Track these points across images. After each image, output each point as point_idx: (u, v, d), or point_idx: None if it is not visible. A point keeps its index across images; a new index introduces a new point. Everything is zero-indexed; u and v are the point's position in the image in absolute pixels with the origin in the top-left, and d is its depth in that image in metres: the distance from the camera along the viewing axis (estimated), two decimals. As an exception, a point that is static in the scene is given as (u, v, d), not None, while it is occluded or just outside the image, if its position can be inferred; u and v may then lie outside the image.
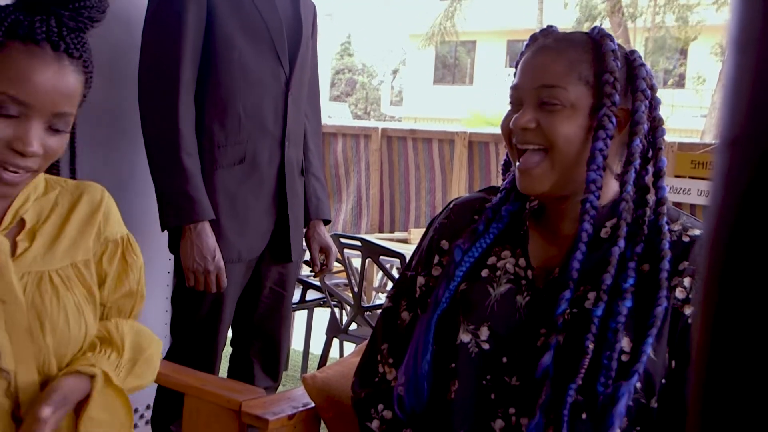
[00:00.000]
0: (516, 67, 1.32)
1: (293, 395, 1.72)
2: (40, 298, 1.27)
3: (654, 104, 1.27)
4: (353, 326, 3.64)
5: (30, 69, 1.18)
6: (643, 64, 1.27)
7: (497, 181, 5.51)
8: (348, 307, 3.74)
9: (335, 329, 3.63)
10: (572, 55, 1.24)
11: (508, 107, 1.31)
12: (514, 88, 1.29)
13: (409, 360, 1.32)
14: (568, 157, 1.23)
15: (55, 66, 1.20)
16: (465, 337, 1.27)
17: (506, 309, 1.27)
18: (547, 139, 1.23)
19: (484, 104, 21.18)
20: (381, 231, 5.86)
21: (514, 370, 1.23)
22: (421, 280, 1.41)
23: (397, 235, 5.17)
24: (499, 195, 1.38)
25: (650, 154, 1.26)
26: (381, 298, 4.56)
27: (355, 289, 3.51)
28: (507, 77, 24.64)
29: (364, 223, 6.04)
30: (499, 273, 1.30)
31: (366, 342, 1.64)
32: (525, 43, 1.33)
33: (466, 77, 26.76)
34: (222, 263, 2.08)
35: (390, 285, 4.95)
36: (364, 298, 3.70)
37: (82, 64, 1.26)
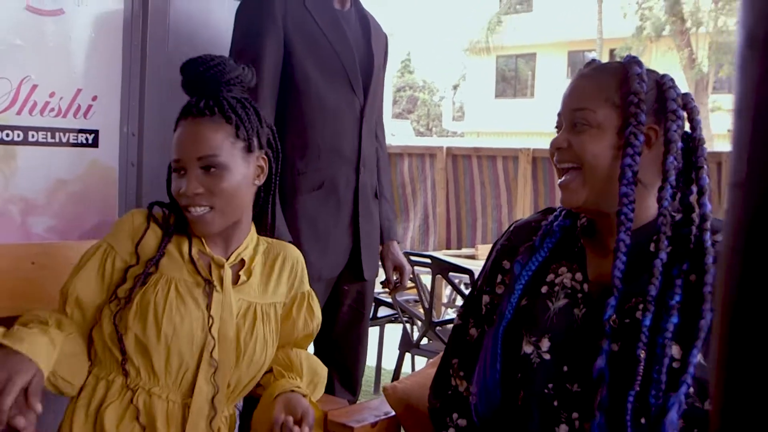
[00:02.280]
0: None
1: (374, 405, 1.86)
2: (243, 326, 1.62)
3: (693, 125, 1.37)
4: (424, 341, 3.75)
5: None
6: (672, 87, 1.37)
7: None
8: (419, 323, 3.86)
9: (407, 344, 3.75)
10: (602, 81, 1.36)
11: None
12: (558, 114, 1.42)
13: (479, 371, 1.44)
14: (598, 173, 1.34)
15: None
16: (528, 349, 1.38)
17: (565, 321, 1.38)
18: (578, 158, 1.35)
19: (545, 117, 21.13)
20: (449, 248, 5.97)
21: (575, 377, 1.34)
22: (486, 298, 1.52)
23: (465, 251, 5.28)
24: (555, 214, 1.50)
25: (693, 174, 1.36)
26: (450, 314, 4.67)
27: (426, 305, 3.63)
28: (569, 89, 24.52)
29: (432, 241, 6.17)
30: (557, 288, 1.41)
31: (440, 355, 1.77)
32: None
33: (527, 90, 26.66)
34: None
35: (459, 300, 5.05)
36: (434, 313, 3.82)
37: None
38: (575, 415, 1.32)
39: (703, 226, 1.32)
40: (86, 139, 2.35)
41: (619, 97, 1.34)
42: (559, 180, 1.39)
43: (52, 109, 2.25)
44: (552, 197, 5.53)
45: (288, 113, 2.27)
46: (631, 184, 1.30)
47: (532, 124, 22.36)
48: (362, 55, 2.42)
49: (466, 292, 3.57)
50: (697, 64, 19.80)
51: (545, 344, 1.37)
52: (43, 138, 2.24)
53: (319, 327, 1.83)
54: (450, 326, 3.86)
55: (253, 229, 1.74)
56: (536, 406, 1.36)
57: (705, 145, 1.37)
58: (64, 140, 2.29)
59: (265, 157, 1.70)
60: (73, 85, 2.30)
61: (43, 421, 1.70)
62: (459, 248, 5.87)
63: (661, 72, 1.41)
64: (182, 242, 1.66)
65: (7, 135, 2.16)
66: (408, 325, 3.90)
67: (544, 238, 1.45)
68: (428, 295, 3.65)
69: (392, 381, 3.84)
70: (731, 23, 19.61)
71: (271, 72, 2.22)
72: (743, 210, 0.50)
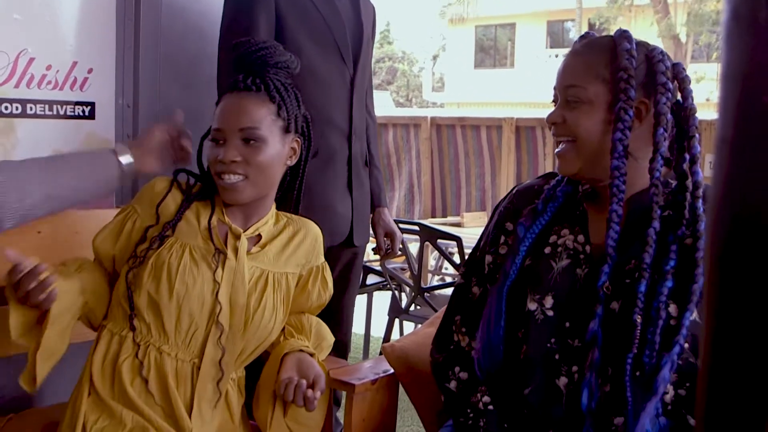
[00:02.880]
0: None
1: (373, 364, 1.93)
2: (254, 292, 1.71)
3: (685, 95, 1.44)
4: (413, 307, 3.84)
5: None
6: (662, 60, 1.42)
7: (544, 163, 5.67)
8: (407, 290, 3.95)
9: (396, 310, 3.84)
10: (592, 57, 1.43)
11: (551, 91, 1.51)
12: (554, 88, 1.49)
13: (483, 326, 1.52)
14: (591, 147, 1.42)
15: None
16: (532, 306, 1.46)
17: (567, 280, 1.46)
18: (572, 132, 1.43)
19: (526, 87, 21.15)
20: (434, 216, 6.06)
21: (576, 333, 1.42)
22: (489, 258, 1.60)
23: (450, 219, 5.37)
24: (556, 179, 1.57)
25: (685, 143, 1.43)
26: (436, 281, 4.75)
27: (415, 272, 3.71)
28: (548, 59, 24.53)
29: (417, 209, 6.26)
30: (560, 249, 1.49)
31: (437, 314, 1.85)
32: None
33: (507, 60, 26.66)
34: None
35: (446, 266, 5.14)
36: (422, 280, 3.89)
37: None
38: (575, 368, 1.41)
39: (695, 193, 1.39)
40: (83, 111, 2.39)
41: (609, 73, 1.41)
42: (556, 149, 1.47)
43: (49, 82, 2.29)
44: (535, 166, 5.62)
45: (280, 84, 2.32)
46: (622, 157, 1.37)
47: (513, 94, 22.41)
48: (352, 26, 2.47)
49: (455, 258, 3.65)
50: (676, 33, 19.90)
51: (549, 302, 1.45)
52: (41, 110, 2.28)
53: (331, 296, 1.93)
54: (437, 292, 3.95)
55: (273, 207, 1.83)
56: (539, 359, 1.44)
57: (696, 115, 1.43)
58: (62, 112, 2.34)
59: (299, 140, 1.81)
60: (69, 58, 2.34)
61: (64, 374, 1.78)
62: (444, 216, 5.96)
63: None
64: (202, 210, 1.75)
65: (6, 108, 2.20)
66: (396, 292, 3.99)
67: (547, 202, 1.53)
68: (417, 263, 3.73)
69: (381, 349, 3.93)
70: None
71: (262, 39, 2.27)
72: (730, 163, 0.57)
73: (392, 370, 1.85)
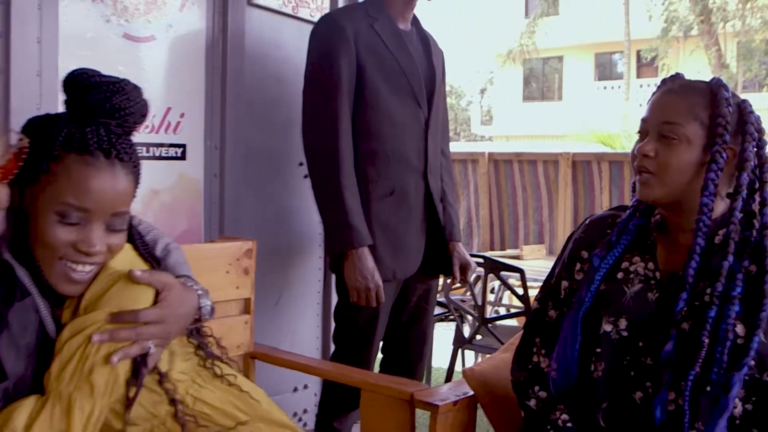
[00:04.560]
0: (647, 104, 1.64)
1: (453, 386, 2.06)
2: None
3: (761, 144, 1.57)
4: (477, 337, 3.96)
5: (87, 178, 1.30)
6: (752, 112, 1.58)
7: (600, 197, 5.77)
8: (469, 320, 4.07)
9: (460, 341, 3.96)
10: (692, 99, 1.56)
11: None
12: (643, 121, 1.61)
13: (559, 348, 1.64)
14: (676, 181, 1.55)
15: (109, 172, 1.31)
16: (607, 327, 1.59)
17: (640, 303, 1.59)
18: (661, 166, 1.56)
19: (574, 119, 21.17)
20: (492, 249, 6.19)
21: (648, 352, 1.55)
22: (565, 284, 1.73)
23: (509, 252, 5.48)
24: (628, 211, 1.70)
25: (757, 185, 1.56)
26: (498, 312, 4.86)
27: (479, 303, 3.83)
28: (596, 91, 24.53)
29: (476, 242, 6.40)
30: (632, 275, 1.62)
31: (511, 341, 1.99)
32: (657, 84, 1.66)
33: (555, 93, 26.73)
34: (380, 282, 2.44)
35: (506, 298, 5.25)
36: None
37: (131, 165, 1.37)
38: (648, 384, 1.53)
39: (764, 232, 1.52)
40: (176, 152, 2.59)
41: (707, 117, 1.54)
42: (637, 177, 1.59)
43: (147, 126, 2.49)
44: (592, 199, 5.74)
45: (359, 126, 2.49)
46: (712, 195, 1.51)
47: (561, 126, 22.43)
48: (425, 71, 2.64)
49: (518, 289, 3.77)
50: (726, 64, 19.83)
51: (623, 323, 1.58)
52: (140, 152, 2.48)
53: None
54: (499, 322, 4.06)
55: None
56: (615, 376, 1.56)
57: None
58: (157, 154, 2.53)
59: None
60: (164, 104, 2.55)
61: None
62: (502, 249, 6.09)
63: (705, 77, 1.62)
64: None
65: (109, 151, 2.40)
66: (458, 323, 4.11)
67: (620, 234, 1.66)
68: (480, 294, 3.85)
69: (447, 376, 4.05)
70: (757, 23, 19.61)
71: (346, 89, 2.44)
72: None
73: (471, 392, 1.97)
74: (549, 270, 1.85)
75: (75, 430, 1.27)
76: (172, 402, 1.47)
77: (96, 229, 1.32)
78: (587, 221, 1.79)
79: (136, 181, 1.40)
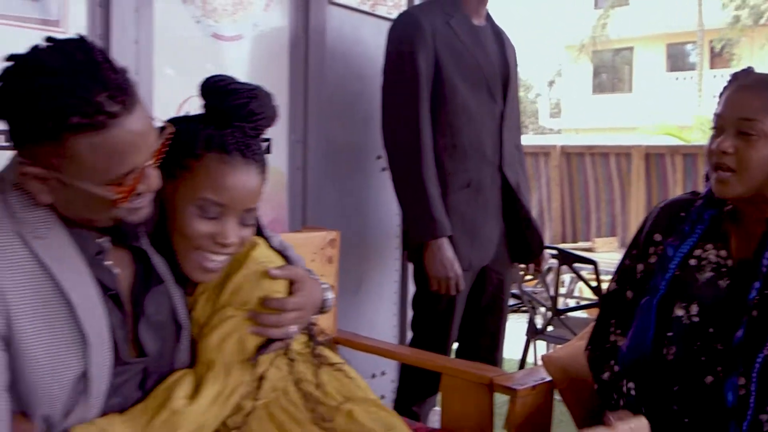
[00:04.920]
0: (720, 98, 1.67)
1: (529, 372, 2.13)
2: None
3: None
4: (549, 328, 4.00)
5: (226, 175, 1.39)
6: None
7: (674, 189, 5.74)
8: (541, 312, 4.11)
9: (533, 332, 4.01)
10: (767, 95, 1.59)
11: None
12: (717, 116, 1.65)
13: (635, 332, 1.70)
14: (755, 177, 1.59)
15: (244, 171, 1.41)
16: (679, 312, 1.65)
17: (711, 290, 1.64)
18: (739, 164, 1.59)
19: (645, 112, 20.83)
20: (564, 241, 6.22)
21: (719, 337, 1.59)
22: (640, 266, 1.78)
23: (581, 244, 5.49)
24: (700, 201, 1.74)
25: None
26: (568, 305, 4.88)
27: (552, 294, 3.87)
28: (667, 82, 24.06)
29: (548, 235, 6.43)
30: (704, 263, 1.67)
31: (587, 329, 2.05)
32: (728, 79, 1.69)
33: (625, 85, 26.30)
34: (460, 271, 2.52)
35: (578, 289, 5.28)
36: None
37: (262, 165, 1.46)
38: (719, 368, 1.58)
39: None
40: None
41: None
42: (715, 174, 1.64)
43: (234, 122, 2.60)
44: (665, 192, 5.71)
45: (437, 120, 2.57)
46: None
47: (632, 119, 22.10)
48: (499, 65, 2.70)
49: (591, 281, 3.80)
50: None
51: (694, 309, 1.63)
52: (228, 147, 2.60)
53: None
54: (571, 314, 4.10)
55: None
56: (686, 360, 1.62)
57: None
58: (244, 148, 2.64)
59: None
60: (250, 100, 2.65)
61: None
62: (574, 242, 6.10)
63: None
64: None
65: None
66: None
67: (694, 224, 1.71)
68: (554, 285, 3.89)
69: (519, 366, 4.11)
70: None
71: (425, 86, 2.52)
72: None
73: (548, 378, 2.04)
74: (618, 264, 1.90)
75: (234, 396, 1.42)
76: (298, 383, 1.61)
77: (231, 223, 1.42)
78: (661, 205, 1.84)
79: (264, 180, 1.48)
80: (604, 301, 1.88)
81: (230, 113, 1.43)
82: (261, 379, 1.52)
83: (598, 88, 26.80)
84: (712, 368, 1.59)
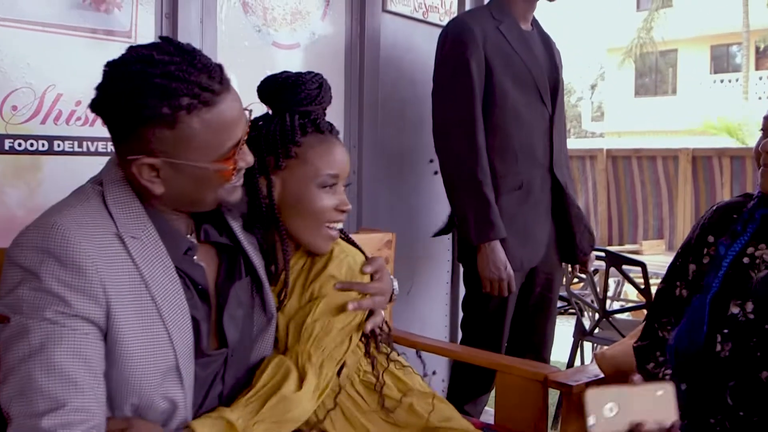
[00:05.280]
0: None
1: (584, 369, 2.18)
2: None
3: None
4: (597, 329, 4.03)
5: (331, 151, 1.59)
6: None
7: (722, 192, 5.73)
8: (588, 313, 4.15)
9: (581, 333, 4.05)
10: None
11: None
12: (766, 119, 1.70)
13: (686, 328, 1.74)
14: None
15: (339, 144, 1.63)
16: (734, 309, 1.69)
17: (766, 288, 1.68)
18: None
19: (689, 114, 20.59)
20: (610, 244, 6.24)
21: None
22: (692, 266, 1.83)
23: (628, 247, 5.51)
24: (753, 201, 1.78)
25: None
26: (615, 306, 4.90)
27: (600, 296, 3.91)
28: (712, 85, 23.77)
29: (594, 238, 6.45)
30: (758, 261, 1.71)
31: (639, 328, 2.09)
32: None
33: (668, 87, 26.04)
34: (512, 272, 2.57)
35: (626, 291, 5.29)
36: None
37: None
38: None
39: None
40: (318, 151, 2.78)
41: None
42: (761, 168, 1.68)
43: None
44: (712, 195, 5.71)
45: (488, 124, 2.62)
46: None
47: (676, 122, 21.89)
48: (548, 70, 2.76)
49: (639, 283, 3.82)
50: None
51: (749, 306, 1.67)
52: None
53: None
54: (618, 316, 4.13)
55: None
56: (743, 356, 1.66)
57: None
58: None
59: None
60: (307, 106, 2.74)
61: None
62: (621, 244, 6.12)
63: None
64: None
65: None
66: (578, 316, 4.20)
67: (746, 224, 1.75)
68: (601, 287, 3.93)
69: (567, 367, 4.14)
70: None
71: (478, 91, 2.58)
72: None
73: (601, 375, 2.09)
74: (669, 264, 1.95)
75: (326, 389, 1.57)
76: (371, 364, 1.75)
77: (342, 191, 1.62)
78: (714, 207, 1.88)
79: None
80: (655, 299, 1.93)
81: (308, 100, 1.59)
82: (342, 366, 1.62)
83: (641, 90, 26.57)
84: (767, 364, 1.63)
